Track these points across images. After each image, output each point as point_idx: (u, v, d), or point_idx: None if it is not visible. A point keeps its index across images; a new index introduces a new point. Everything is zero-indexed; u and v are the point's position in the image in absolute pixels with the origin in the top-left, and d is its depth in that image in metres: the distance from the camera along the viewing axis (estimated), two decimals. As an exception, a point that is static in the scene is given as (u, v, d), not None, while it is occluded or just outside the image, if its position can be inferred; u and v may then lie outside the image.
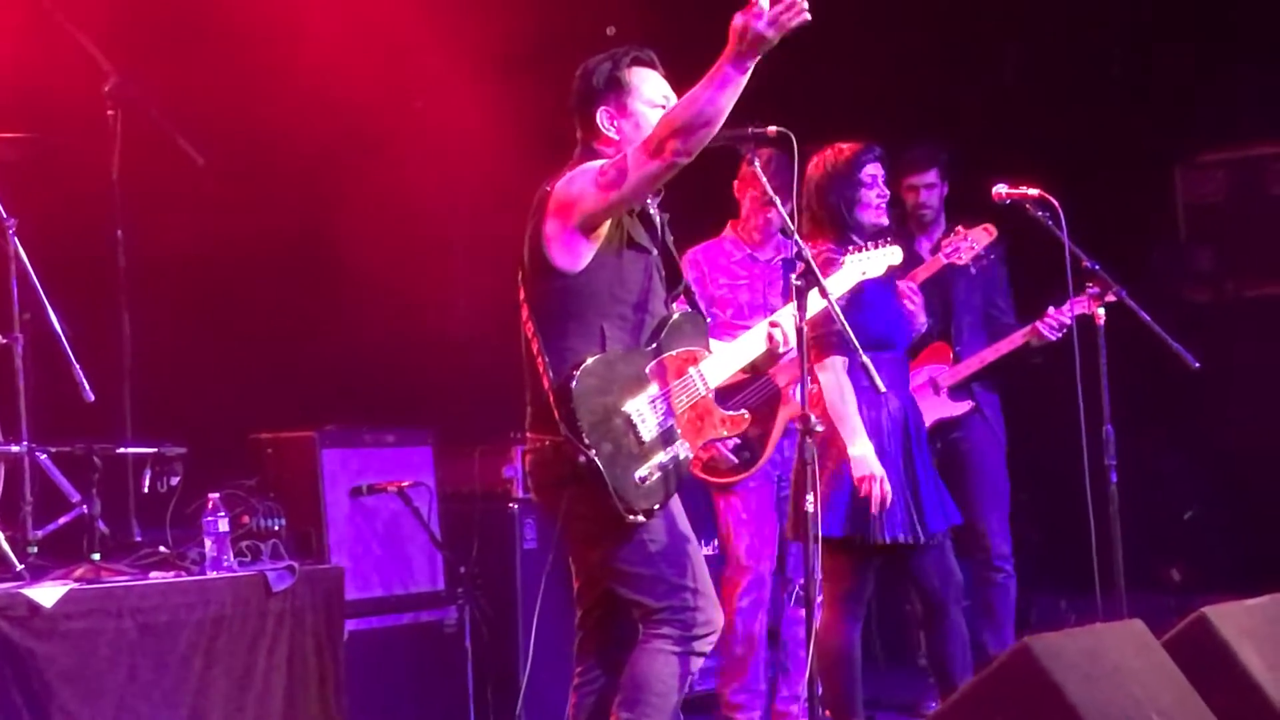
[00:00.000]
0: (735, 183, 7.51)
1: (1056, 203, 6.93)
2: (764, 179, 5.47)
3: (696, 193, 5.84)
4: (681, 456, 5.34)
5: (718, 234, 7.62)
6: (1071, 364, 6.65)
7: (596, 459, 5.11)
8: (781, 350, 5.71)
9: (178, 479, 6.87)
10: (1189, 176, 9.63)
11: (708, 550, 8.58)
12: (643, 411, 5.25)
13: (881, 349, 6.34)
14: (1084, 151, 8.55)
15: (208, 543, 6.58)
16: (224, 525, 6.60)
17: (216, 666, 6.40)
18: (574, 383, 5.14)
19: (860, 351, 5.55)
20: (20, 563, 6.34)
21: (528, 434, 5.40)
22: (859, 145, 6.55)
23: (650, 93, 5.40)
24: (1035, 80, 9.16)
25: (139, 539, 6.86)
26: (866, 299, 6.45)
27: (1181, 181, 9.63)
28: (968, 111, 7.75)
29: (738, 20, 4.92)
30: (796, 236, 5.52)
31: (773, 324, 5.70)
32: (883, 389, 5.75)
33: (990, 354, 7.75)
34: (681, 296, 5.60)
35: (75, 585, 6.12)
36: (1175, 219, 9.60)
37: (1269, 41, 8.84)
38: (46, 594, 5.98)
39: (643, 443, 5.24)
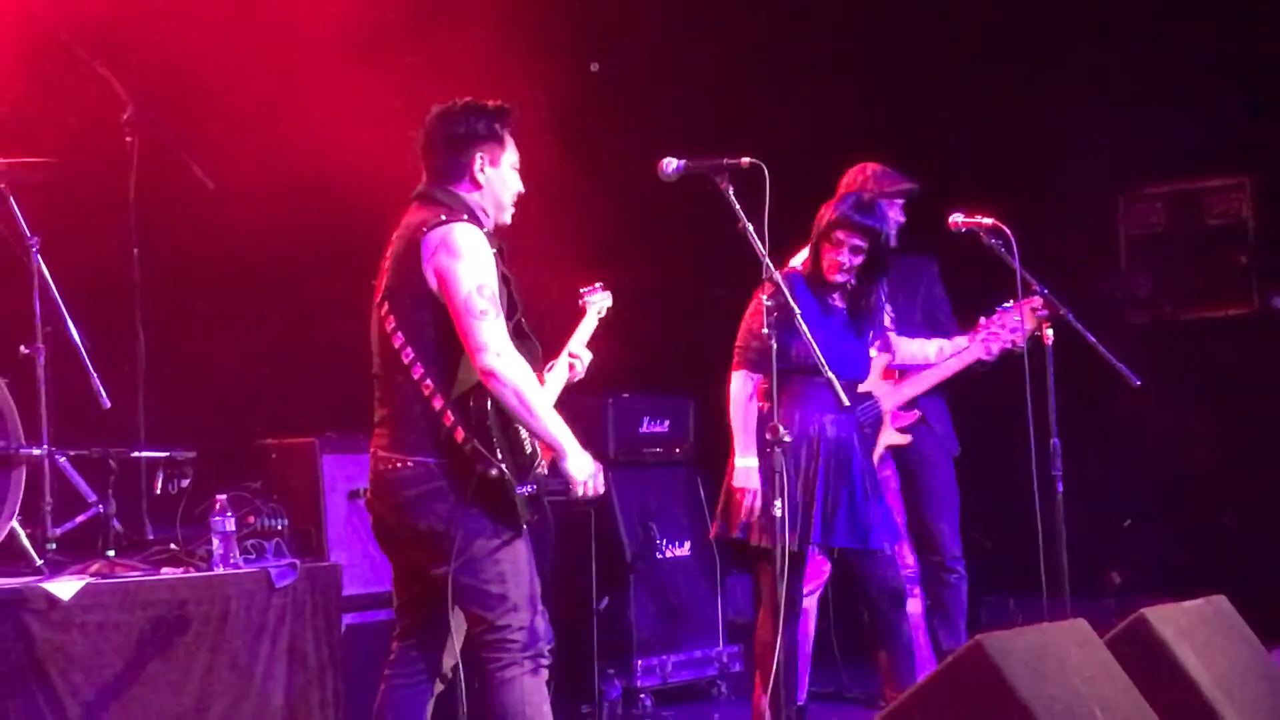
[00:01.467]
0: None
1: (1009, 231, 6.97)
2: (736, 206, 5.45)
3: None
4: (544, 473, 5.35)
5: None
6: (1021, 381, 6.67)
7: (505, 472, 5.11)
8: (578, 377, 5.76)
9: (187, 481, 6.87)
10: (1130, 207, 9.65)
11: (682, 551, 8.66)
12: (522, 429, 5.28)
13: (811, 373, 6.34)
14: (1034, 184, 8.57)
15: (215, 541, 6.58)
16: (230, 525, 6.60)
17: (222, 657, 6.40)
18: (486, 402, 5.13)
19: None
20: (40, 558, 6.36)
21: (384, 453, 5.28)
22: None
23: (512, 156, 5.44)
24: (990, 115, 9.18)
25: (151, 537, 6.89)
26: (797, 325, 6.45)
27: (1124, 212, 9.66)
28: (926, 144, 7.76)
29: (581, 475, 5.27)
30: (766, 260, 5.52)
31: (572, 354, 5.75)
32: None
33: (932, 377, 7.67)
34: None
35: (91, 580, 6.12)
36: (1117, 247, 9.62)
37: (1203, 86, 8.88)
38: (64, 588, 5.98)
39: (526, 457, 5.28)
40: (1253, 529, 8.85)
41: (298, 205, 7.98)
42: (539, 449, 5.34)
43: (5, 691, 5.79)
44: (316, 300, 8.23)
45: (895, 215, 7.56)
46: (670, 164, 5.47)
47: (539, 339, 5.42)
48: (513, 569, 5.22)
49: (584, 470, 5.29)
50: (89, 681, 5.99)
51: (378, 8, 8.17)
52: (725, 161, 5.46)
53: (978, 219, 7.00)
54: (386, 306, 5.29)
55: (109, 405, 6.78)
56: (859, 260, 6.58)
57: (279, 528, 6.89)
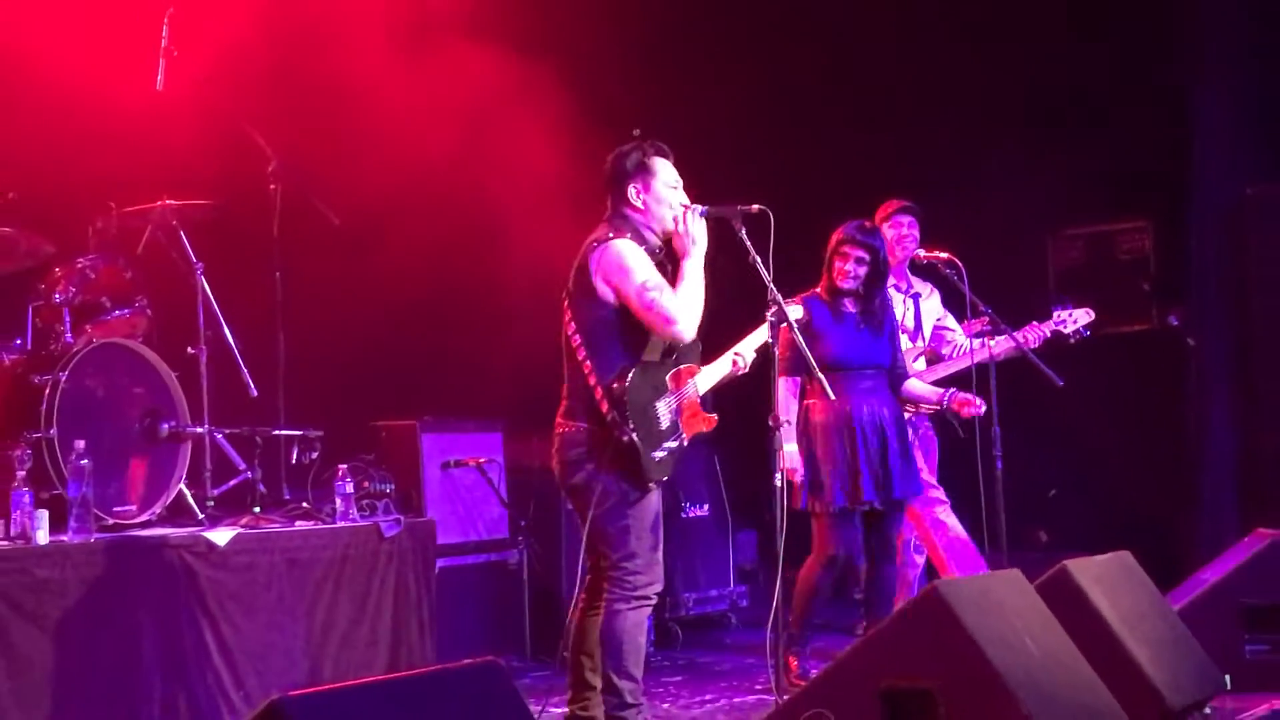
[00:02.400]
0: None
1: (961, 264, 6.97)
2: (748, 243, 5.44)
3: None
4: (681, 443, 5.34)
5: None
6: (970, 381, 6.68)
7: (636, 439, 5.12)
8: (742, 371, 5.68)
9: (316, 454, 6.90)
10: (1057, 246, 9.62)
11: (701, 512, 8.66)
12: (662, 408, 5.26)
13: (836, 370, 6.36)
14: (981, 226, 8.54)
15: (338, 501, 6.61)
16: (349, 488, 6.64)
17: (343, 591, 6.44)
18: (627, 382, 5.15)
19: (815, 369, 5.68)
20: (202, 513, 6.40)
21: (560, 419, 5.34)
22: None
23: (666, 177, 5.41)
24: (948, 167, 9.13)
25: (288, 497, 6.90)
26: (815, 329, 6.48)
27: (1051, 249, 9.62)
28: (894, 192, 7.74)
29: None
30: (771, 286, 5.51)
31: (736, 353, 5.69)
32: (832, 397, 5.83)
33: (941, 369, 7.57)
34: None
35: (241, 530, 6.17)
36: (1047, 277, 9.59)
37: (1115, 139, 8.86)
38: (220, 536, 6.03)
39: (661, 430, 5.25)
40: (1149, 498, 8.81)
41: (401, 238, 7.99)
42: (679, 423, 5.31)
43: (176, 614, 5.84)
44: (414, 308, 8.25)
45: (908, 230, 7.52)
46: (697, 209, 5.41)
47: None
48: (637, 522, 5.21)
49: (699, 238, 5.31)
50: (239, 609, 6.04)
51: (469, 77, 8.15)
52: (739, 207, 5.44)
53: (936, 254, 7.00)
54: (566, 304, 5.33)
55: (255, 394, 6.82)
56: (864, 270, 6.58)
57: (387, 491, 6.88)
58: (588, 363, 5.24)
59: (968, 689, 4.47)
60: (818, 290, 6.72)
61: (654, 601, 5.30)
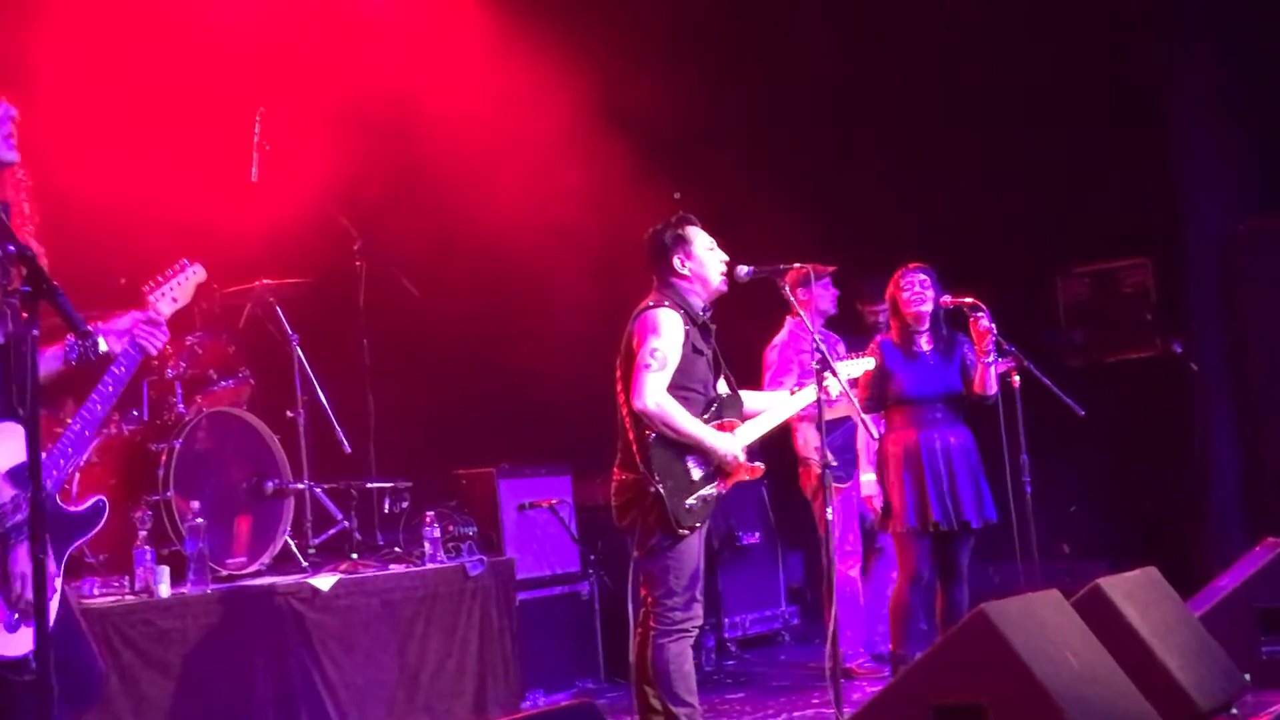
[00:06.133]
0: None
1: (984, 305, 6.82)
2: (793, 300, 5.35)
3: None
4: (716, 493, 5.24)
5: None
6: (1000, 414, 6.56)
7: (662, 490, 5.04)
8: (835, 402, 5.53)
9: (406, 503, 6.86)
10: (1065, 282, 9.51)
11: (753, 539, 8.53)
12: (693, 461, 5.17)
13: (909, 403, 6.26)
14: (997, 268, 8.43)
15: (426, 544, 6.57)
16: (436, 532, 6.60)
17: (432, 627, 6.37)
18: (651, 437, 5.08)
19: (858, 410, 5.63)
20: (305, 561, 6.36)
21: (614, 468, 5.31)
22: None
23: (703, 241, 5.35)
24: (966, 213, 9.03)
25: (381, 543, 6.84)
26: (888, 369, 6.32)
27: (1060, 286, 9.52)
28: (920, 238, 7.64)
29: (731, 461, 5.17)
30: (816, 337, 5.41)
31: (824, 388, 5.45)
32: (875, 435, 5.74)
33: None
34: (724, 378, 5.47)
35: (342, 575, 6.12)
36: (1057, 311, 9.48)
37: (1113, 184, 8.79)
38: (323, 581, 5.99)
39: (693, 481, 5.16)
40: (1161, 511, 8.67)
41: (479, 306, 7.97)
42: (716, 472, 5.20)
43: (286, 656, 5.79)
44: (491, 370, 8.22)
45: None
46: (743, 270, 5.35)
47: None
48: (675, 562, 5.13)
49: (727, 453, 5.18)
50: (339, 649, 5.98)
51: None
52: (782, 266, 5.37)
53: (961, 299, 6.85)
54: (618, 363, 5.29)
55: (349, 450, 6.80)
56: (929, 290, 6.41)
57: (470, 533, 6.83)
58: (628, 418, 5.19)
59: (1016, 703, 4.38)
60: (890, 335, 6.52)
61: (694, 634, 5.22)
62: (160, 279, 4.27)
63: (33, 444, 3.28)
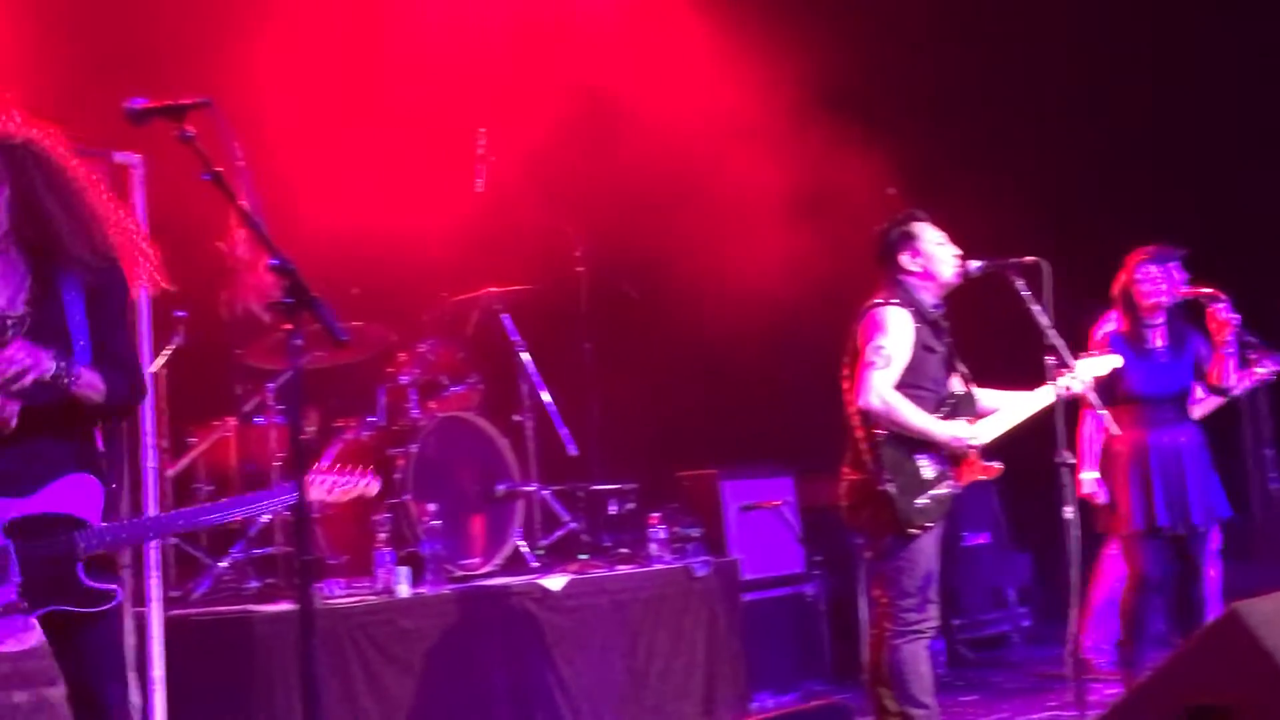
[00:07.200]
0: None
1: (1223, 295, 6.36)
2: (1024, 293, 5.21)
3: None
4: (950, 492, 5.15)
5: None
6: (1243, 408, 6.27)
7: (891, 489, 4.99)
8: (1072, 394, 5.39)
9: (632, 504, 6.94)
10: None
11: (982, 539, 8.37)
12: (925, 459, 5.10)
13: (1138, 402, 6.03)
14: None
15: (653, 545, 6.63)
16: (662, 533, 6.65)
17: (660, 627, 6.42)
18: (881, 437, 5.03)
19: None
20: (534, 562, 6.47)
21: (843, 468, 5.27)
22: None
23: (931, 236, 5.28)
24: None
25: (607, 544, 6.93)
26: (1121, 369, 6.07)
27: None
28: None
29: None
30: (1051, 333, 5.24)
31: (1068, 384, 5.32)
32: (1116, 431, 5.56)
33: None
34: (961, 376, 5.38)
35: (572, 576, 6.21)
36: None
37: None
38: (554, 582, 6.08)
39: (924, 479, 5.09)
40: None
41: (700, 308, 7.98)
42: (949, 471, 5.15)
43: (521, 655, 5.91)
44: (711, 371, 8.24)
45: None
46: (974, 264, 5.25)
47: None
48: (908, 563, 5.08)
49: (960, 442, 5.12)
50: (572, 647, 6.06)
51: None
52: (1012, 260, 5.26)
53: (1199, 289, 6.35)
54: (844, 363, 5.27)
55: (575, 453, 6.90)
56: (1169, 281, 6.03)
57: (695, 534, 6.86)
58: (856, 418, 5.14)
59: (1268, 703, 4.19)
60: (1121, 329, 6.12)
61: (929, 635, 5.15)
62: (334, 471, 3.88)
63: (294, 433, 3.44)
